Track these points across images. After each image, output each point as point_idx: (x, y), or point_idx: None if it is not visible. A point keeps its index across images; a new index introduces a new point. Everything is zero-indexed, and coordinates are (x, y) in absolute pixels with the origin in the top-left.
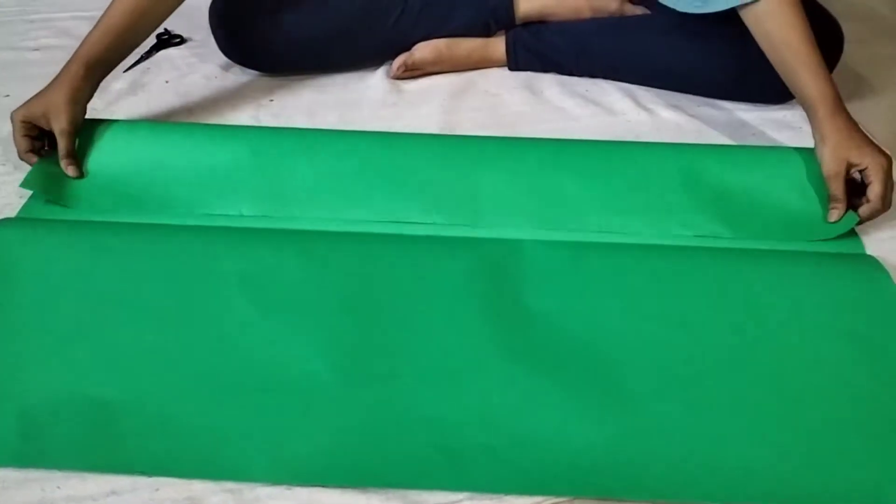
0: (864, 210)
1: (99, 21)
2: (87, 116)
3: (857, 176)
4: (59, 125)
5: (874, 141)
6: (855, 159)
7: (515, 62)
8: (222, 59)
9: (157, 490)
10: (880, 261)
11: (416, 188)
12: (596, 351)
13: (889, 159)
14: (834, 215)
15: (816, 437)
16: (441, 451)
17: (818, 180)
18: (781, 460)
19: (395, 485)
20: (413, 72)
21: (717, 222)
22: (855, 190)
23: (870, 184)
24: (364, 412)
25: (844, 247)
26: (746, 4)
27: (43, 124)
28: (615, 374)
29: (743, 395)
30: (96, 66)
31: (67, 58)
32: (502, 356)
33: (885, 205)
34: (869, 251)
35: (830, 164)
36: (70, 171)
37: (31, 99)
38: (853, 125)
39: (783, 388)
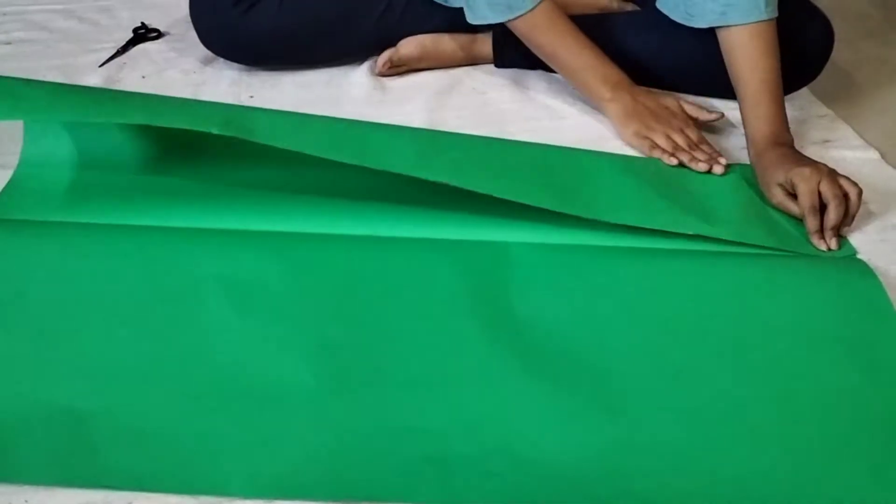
0: (826, 222)
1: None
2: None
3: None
4: None
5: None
6: (781, 179)
7: (502, 59)
8: (201, 53)
9: None
10: (868, 263)
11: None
12: (586, 357)
13: (819, 169)
14: (819, 244)
15: (809, 443)
16: (427, 461)
17: None
18: (775, 468)
19: (380, 498)
20: (398, 68)
21: (710, 230)
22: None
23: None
24: (347, 422)
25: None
26: (726, 27)
27: None
28: (606, 381)
29: (734, 402)
30: None
31: (40, 51)
32: (490, 363)
33: (830, 210)
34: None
35: (767, 196)
36: None
37: None
38: (785, 153)
39: (774, 395)
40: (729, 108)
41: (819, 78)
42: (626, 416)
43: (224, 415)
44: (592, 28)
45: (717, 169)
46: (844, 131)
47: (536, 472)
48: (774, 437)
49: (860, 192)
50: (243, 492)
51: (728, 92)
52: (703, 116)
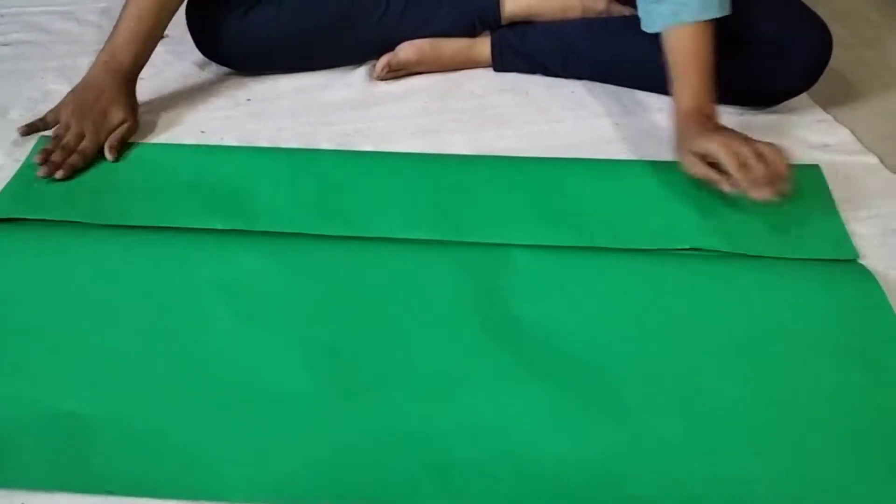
0: (739, 184)
1: (122, 26)
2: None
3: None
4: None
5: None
6: (698, 147)
7: (501, 63)
8: (199, 57)
9: None
10: (868, 267)
11: (396, 204)
12: (587, 362)
13: (735, 135)
14: (756, 193)
15: (810, 447)
16: (430, 467)
17: (811, 196)
18: (776, 472)
19: (381, 503)
20: (397, 72)
21: (711, 236)
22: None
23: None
24: (347, 427)
25: (837, 252)
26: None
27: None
28: (607, 385)
29: (736, 406)
30: (133, 75)
31: (38, 53)
32: (491, 367)
33: (746, 172)
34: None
35: (683, 165)
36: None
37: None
38: (706, 124)
39: (775, 399)
40: (725, 113)
41: (819, 83)
42: (628, 421)
43: (224, 420)
44: (599, 32)
45: None
46: (843, 136)
47: (539, 478)
48: (776, 442)
49: (779, 150)
50: (244, 497)
51: (744, 99)
52: None
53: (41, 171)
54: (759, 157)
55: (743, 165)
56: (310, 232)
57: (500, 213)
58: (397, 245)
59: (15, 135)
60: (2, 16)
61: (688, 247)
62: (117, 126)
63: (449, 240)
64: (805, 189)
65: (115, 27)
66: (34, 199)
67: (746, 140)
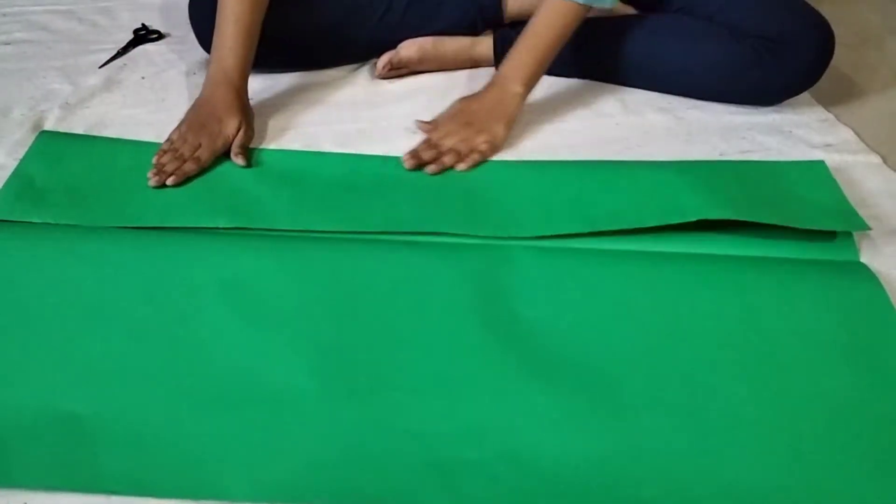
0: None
1: (222, 32)
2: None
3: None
4: (235, 133)
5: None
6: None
7: None
8: (201, 55)
9: None
10: (870, 267)
11: (398, 203)
12: (590, 362)
13: (447, 122)
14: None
15: (812, 448)
16: (430, 466)
17: (814, 194)
18: (778, 472)
19: (383, 503)
20: (398, 70)
21: (717, 209)
22: None
23: None
24: (349, 427)
25: (839, 254)
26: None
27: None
28: (610, 386)
29: (738, 407)
30: (242, 79)
31: (40, 52)
32: (493, 368)
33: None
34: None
35: None
36: (238, 160)
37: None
38: (481, 93)
39: (777, 400)
40: (729, 113)
41: (821, 82)
42: (629, 421)
43: (226, 420)
44: (609, 32)
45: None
46: (846, 135)
47: (541, 478)
48: (778, 442)
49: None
50: (246, 497)
51: (746, 98)
52: None
53: (152, 181)
54: (438, 147)
55: (433, 147)
56: (311, 230)
57: (503, 210)
58: (399, 245)
59: (17, 134)
60: (4, 15)
61: (694, 218)
62: (235, 134)
63: (451, 239)
64: (811, 180)
65: (216, 35)
66: (35, 199)
67: (465, 129)
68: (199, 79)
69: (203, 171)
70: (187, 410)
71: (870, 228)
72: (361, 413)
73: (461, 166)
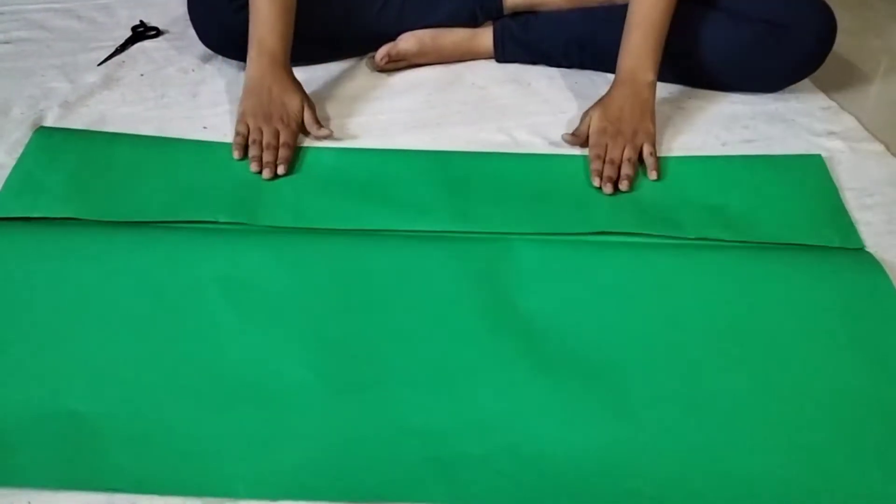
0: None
1: (259, 13)
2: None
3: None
4: (301, 110)
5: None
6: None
7: (503, 54)
8: (200, 51)
9: None
10: (875, 255)
11: (397, 198)
12: (592, 354)
13: (605, 112)
14: (594, 181)
15: (817, 438)
16: (432, 461)
17: (815, 188)
18: (783, 464)
19: (385, 498)
20: (397, 63)
21: (716, 227)
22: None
23: None
24: (351, 422)
25: (843, 241)
26: None
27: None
28: (612, 378)
29: (741, 398)
30: (286, 57)
31: (39, 50)
32: (494, 361)
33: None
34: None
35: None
36: (322, 132)
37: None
38: (622, 90)
39: (781, 390)
40: (731, 102)
41: (823, 69)
42: (631, 414)
43: (227, 417)
44: (602, 21)
45: None
46: (849, 123)
47: (543, 472)
48: (781, 431)
49: (635, 165)
50: (248, 493)
51: (749, 83)
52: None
53: (266, 174)
54: (613, 162)
55: (599, 157)
56: (312, 226)
57: (504, 204)
58: (400, 239)
59: (17, 133)
60: (2, 13)
61: (693, 237)
62: (300, 111)
63: (452, 232)
64: (808, 179)
65: (253, 17)
66: (36, 197)
67: (620, 137)
68: (198, 75)
69: (295, 155)
70: (190, 408)
71: (863, 246)
72: (363, 408)
73: (652, 175)
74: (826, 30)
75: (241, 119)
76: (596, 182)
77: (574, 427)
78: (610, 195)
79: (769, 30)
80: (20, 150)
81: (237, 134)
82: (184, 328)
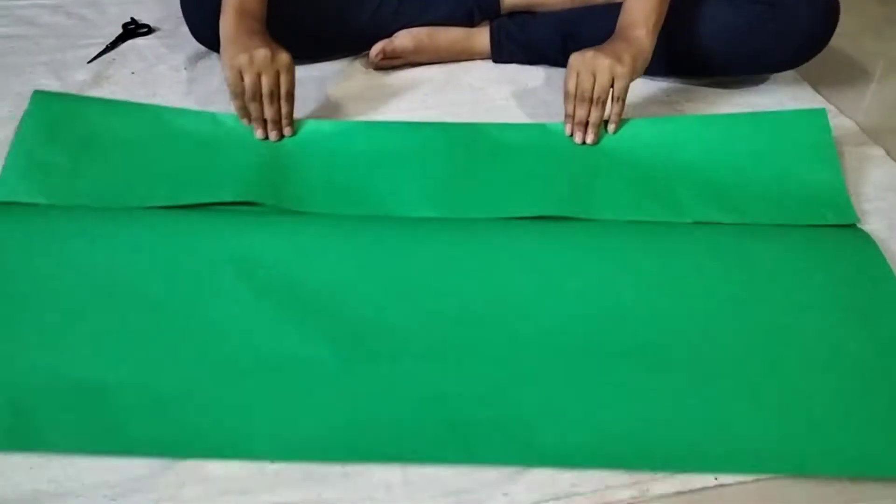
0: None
1: None
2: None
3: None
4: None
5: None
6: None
7: (500, 53)
8: (192, 49)
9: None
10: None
11: (403, 180)
12: (594, 328)
13: (590, 57)
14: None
15: (813, 407)
16: (444, 424)
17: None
18: (780, 432)
19: (402, 459)
20: (392, 60)
21: (712, 207)
22: None
23: None
24: (368, 390)
25: (837, 217)
26: None
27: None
28: (615, 351)
29: (738, 370)
30: (263, 19)
31: (28, 47)
32: (506, 331)
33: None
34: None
35: None
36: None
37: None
38: (613, 40)
39: (775, 363)
40: (727, 104)
41: (823, 73)
42: (637, 381)
43: (249, 384)
44: (600, 19)
45: None
46: (849, 127)
47: (553, 434)
48: (779, 404)
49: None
50: (267, 454)
51: (748, 66)
52: None
53: (273, 136)
54: (597, 102)
55: (571, 96)
56: (320, 210)
57: (504, 184)
58: (408, 219)
59: (5, 131)
60: None
61: (689, 220)
62: (289, 61)
63: (457, 216)
64: (808, 140)
65: None
66: (39, 179)
67: (596, 63)
68: (190, 73)
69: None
70: (209, 377)
71: (858, 220)
72: (380, 377)
73: (611, 128)
74: (828, 10)
75: (232, 69)
76: (567, 129)
77: (581, 391)
78: (581, 145)
79: (769, 10)
80: (6, 150)
81: (235, 97)
82: (200, 302)
